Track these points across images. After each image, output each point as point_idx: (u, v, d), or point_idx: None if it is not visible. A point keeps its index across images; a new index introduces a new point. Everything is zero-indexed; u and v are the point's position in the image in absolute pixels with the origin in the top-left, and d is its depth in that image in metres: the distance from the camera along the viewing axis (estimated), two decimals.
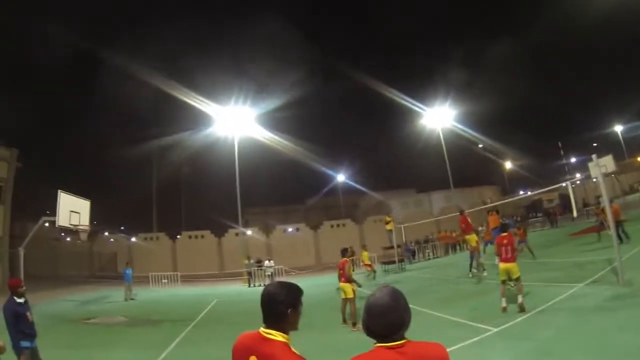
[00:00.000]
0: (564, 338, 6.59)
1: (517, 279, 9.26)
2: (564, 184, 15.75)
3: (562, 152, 58.57)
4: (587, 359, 5.54)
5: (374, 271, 21.05)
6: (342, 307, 10.61)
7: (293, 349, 2.05)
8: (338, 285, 11.28)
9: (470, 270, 15.27)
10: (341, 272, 10.85)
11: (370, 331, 1.89)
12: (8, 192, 30.41)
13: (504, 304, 8.99)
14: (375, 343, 1.88)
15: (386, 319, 1.85)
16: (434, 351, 1.87)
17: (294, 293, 2.23)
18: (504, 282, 9.44)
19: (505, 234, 9.85)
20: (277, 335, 2.10)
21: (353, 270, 11.95)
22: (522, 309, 8.70)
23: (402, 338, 1.86)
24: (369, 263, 21.15)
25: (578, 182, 38.90)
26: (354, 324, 9.68)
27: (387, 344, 1.83)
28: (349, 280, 10.51)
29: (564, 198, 38.58)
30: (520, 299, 8.92)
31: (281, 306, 2.14)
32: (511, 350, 6.46)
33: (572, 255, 15.07)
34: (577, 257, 14.68)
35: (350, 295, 10.28)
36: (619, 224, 15.26)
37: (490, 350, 6.73)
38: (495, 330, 7.73)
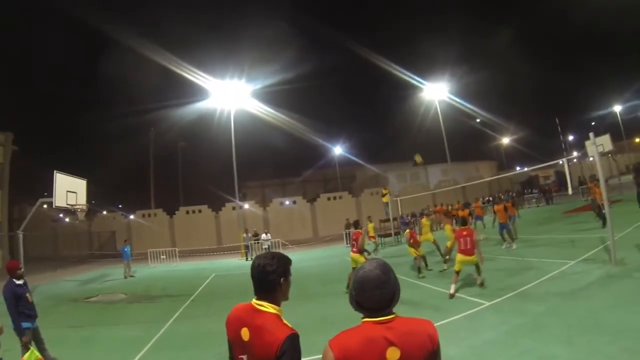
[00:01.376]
0: (555, 314, 6.70)
1: (477, 267, 9.61)
2: (560, 161, 15.66)
3: (559, 130, 58.45)
4: (578, 336, 5.63)
5: (376, 244, 20.91)
6: (350, 274, 10.88)
7: (284, 321, 2.08)
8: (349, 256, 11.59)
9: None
10: (354, 242, 11.23)
11: (359, 305, 1.88)
12: (5, 176, 30.48)
13: (452, 291, 9.15)
14: (363, 318, 1.87)
15: (377, 293, 1.83)
16: (422, 327, 1.85)
17: (284, 263, 2.24)
18: (457, 272, 9.58)
19: (465, 226, 9.96)
20: (268, 307, 2.13)
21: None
22: (482, 284, 9.45)
23: (391, 313, 1.85)
24: (374, 235, 20.99)
25: (574, 160, 38.90)
26: None
27: (375, 318, 1.83)
28: (361, 251, 10.97)
29: (560, 175, 38.74)
30: (479, 280, 9.56)
31: (272, 276, 2.16)
32: (503, 325, 6.57)
33: (566, 232, 15.21)
34: (570, 234, 14.84)
35: None
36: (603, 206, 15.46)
37: (482, 323, 6.86)
38: (488, 304, 7.91)
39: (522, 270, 10.53)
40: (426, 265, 13.00)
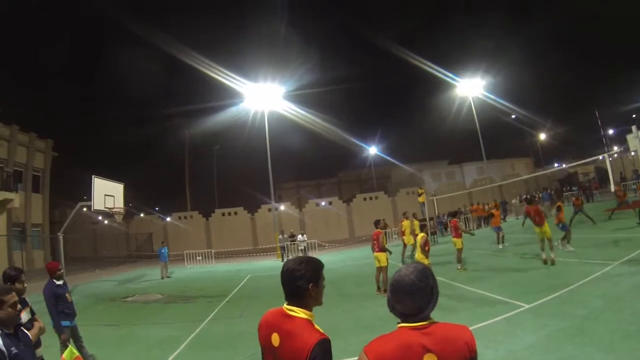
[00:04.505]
0: (596, 318, 6.42)
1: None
2: (600, 157, 15.11)
3: (599, 123, 56.44)
4: (620, 342, 5.37)
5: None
6: (376, 275, 11.19)
7: (316, 326, 2.03)
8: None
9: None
10: (375, 242, 11.39)
11: (395, 310, 1.85)
12: (45, 181, 31.66)
13: (544, 257, 11.40)
14: (399, 323, 1.84)
15: (411, 299, 1.80)
16: (459, 333, 1.80)
17: (314, 268, 2.18)
18: (542, 240, 11.61)
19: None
20: (299, 312, 2.09)
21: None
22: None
23: (427, 318, 1.81)
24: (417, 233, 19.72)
25: (615, 155, 37.43)
26: (385, 291, 9.85)
27: (411, 324, 1.79)
28: (383, 249, 11.11)
29: (601, 171, 37.41)
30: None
31: (300, 281, 2.11)
32: (542, 329, 6.33)
33: (608, 232, 14.61)
34: (612, 234, 14.26)
35: (385, 264, 10.90)
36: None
37: (521, 327, 6.62)
38: (527, 306, 7.65)
39: (563, 272, 10.17)
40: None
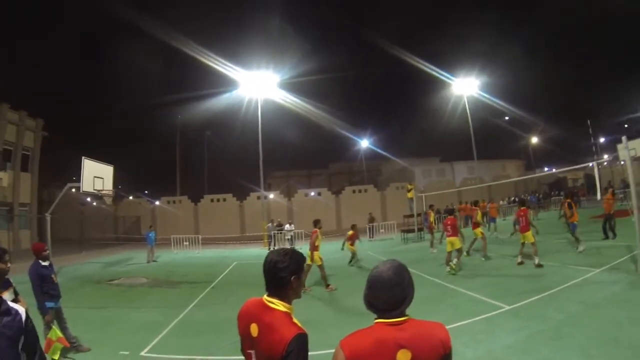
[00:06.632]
0: (574, 324, 6.53)
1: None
2: (590, 164, 15.18)
3: (590, 131, 56.86)
4: (596, 348, 5.48)
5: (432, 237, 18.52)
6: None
7: (294, 320, 2.06)
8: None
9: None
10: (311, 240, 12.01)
11: (371, 305, 1.89)
12: (35, 161, 31.35)
13: (519, 260, 11.97)
14: (375, 318, 1.88)
15: (387, 295, 1.84)
16: (434, 331, 1.84)
17: (297, 260, 2.22)
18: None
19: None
20: (278, 305, 2.12)
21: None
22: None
23: (403, 315, 1.85)
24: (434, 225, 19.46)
25: (605, 163, 37.82)
26: (328, 286, 11.13)
27: (387, 319, 1.83)
28: (313, 249, 11.69)
29: (589, 178, 37.68)
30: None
31: (283, 273, 2.14)
32: (522, 330, 6.46)
33: (592, 238, 14.74)
34: (597, 241, 14.44)
35: (319, 263, 11.55)
36: (609, 217, 14.85)
37: (500, 327, 6.74)
38: (508, 307, 7.77)
39: (545, 275, 10.31)
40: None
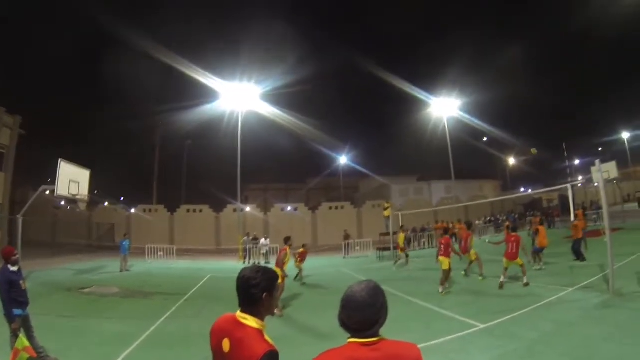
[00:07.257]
0: (548, 342, 6.63)
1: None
2: (565, 186, 15.46)
3: (565, 154, 58.33)
4: None
5: (407, 255, 19.87)
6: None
7: (266, 337, 2.06)
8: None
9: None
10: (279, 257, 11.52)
11: (344, 324, 1.88)
12: (10, 159, 30.35)
13: (502, 279, 11.53)
14: (349, 337, 1.88)
15: (361, 315, 1.83)
16: (408, 351, 1.85)
17: (269, 277, 2.23)
18: (506, 268, 11.72)
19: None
20: (251, 321, 2.11)
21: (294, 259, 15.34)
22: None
23: (377, 335, 1.85)
24: (403, 247, 19.94)
25: (579, 185, 38.76)
26: (282, 309, 10.35)
27: (360, 339, 1.82)
28: (280, 266, 10.94)
29: (564, 199, 38.48)
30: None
31: (255, 290, 2.15)
32: (495, 350, 6.50)
33: (566, 258, 15.03)
34: (570, 261, 14.70)
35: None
36: (578, 240, 15.07)
37: (474, 346, 6.79)
38: (482, 326, 7.82)
39: (519, 295, 10.44)
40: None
